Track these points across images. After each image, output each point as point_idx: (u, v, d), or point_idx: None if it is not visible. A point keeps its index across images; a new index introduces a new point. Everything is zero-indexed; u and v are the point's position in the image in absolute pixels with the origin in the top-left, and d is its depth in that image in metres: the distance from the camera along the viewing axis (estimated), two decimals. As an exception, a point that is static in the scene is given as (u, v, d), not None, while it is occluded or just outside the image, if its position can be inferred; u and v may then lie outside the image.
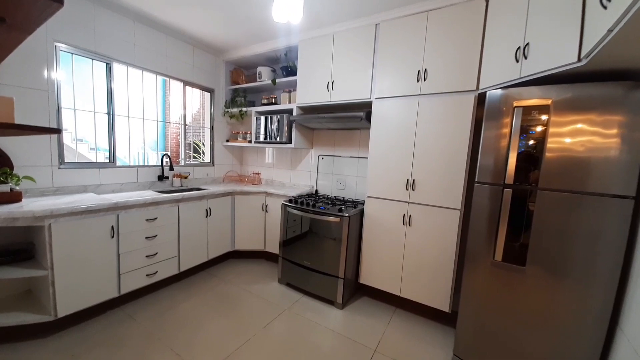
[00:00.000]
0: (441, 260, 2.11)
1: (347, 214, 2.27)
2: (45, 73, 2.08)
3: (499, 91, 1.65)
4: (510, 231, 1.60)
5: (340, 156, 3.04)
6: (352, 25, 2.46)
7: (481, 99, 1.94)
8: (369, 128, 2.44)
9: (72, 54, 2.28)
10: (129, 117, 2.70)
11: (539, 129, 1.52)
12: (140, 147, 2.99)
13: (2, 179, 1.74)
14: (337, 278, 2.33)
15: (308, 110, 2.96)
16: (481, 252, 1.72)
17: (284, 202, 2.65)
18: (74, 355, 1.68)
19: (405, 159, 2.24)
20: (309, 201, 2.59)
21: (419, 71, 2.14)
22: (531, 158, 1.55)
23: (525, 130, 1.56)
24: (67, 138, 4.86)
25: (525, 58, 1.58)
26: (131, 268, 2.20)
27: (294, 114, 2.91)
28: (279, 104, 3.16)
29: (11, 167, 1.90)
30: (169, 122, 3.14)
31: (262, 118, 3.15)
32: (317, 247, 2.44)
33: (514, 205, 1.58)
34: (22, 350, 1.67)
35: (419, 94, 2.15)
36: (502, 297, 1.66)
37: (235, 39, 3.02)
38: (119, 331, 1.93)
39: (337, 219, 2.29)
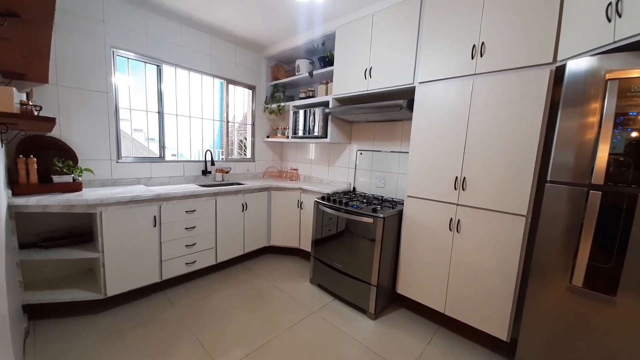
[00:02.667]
0: (499, 277, 1.72)
1: (381, 215, 2.03)
2: (105, 76, 2.32)
3: (584, 60, 1.24)
4: (596, 248, 1.20)
5: (380, 151, 2.78)
6: (394, 0, 2.19)
7: (559, 75, 1.50)
8: (411, 118, 2.14)
9: (128, 58, 2.51)
10: (177, 115, 2.90)
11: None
12: (196, 144, 3.18)
13: (65, 170, 1.98)
14: (369, 285, 2.11)
15: (345, 101, 2.77)
16: (552, 273, 1.34)
17: (316, 200, 2.52)
18: (117, 332, 1.83)
19: (454, 152, 1.89)
20: (343, 199, 2.41)
21: (474, 46, 1.77)
22: (631, 151, 1.12)
23: (622, 113, 1.13)
24: (140, 137, 5.50)
25: (620, 16, 1.15)
26: (172, 256, 2.34)
27: (330, 106, 2.75)
28: (316, 96, 3.04)
29: (75, 160, 2.16)
30: (215, 120, 3.28)
31: (301, 112, 3.07)
32: (350, 249, 2.26)
33: (604, 212, 1.17)
34: (74, 324, 1.89)
35: (474, 74, 1.79)
36: (580, 333, 1.26)
37: (274, 33, 2.99)
38: (158, 314, 2.06)
39: (370, 220, 2.07)
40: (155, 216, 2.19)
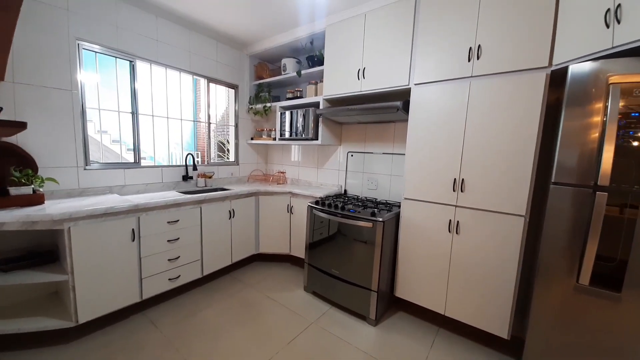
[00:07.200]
0: (498, 277, 1.74)
1: (381, 219, 1.98)
2: (69, 72, 2.04)
3: (587, 64, 1.26)
4: (602, 246, 1.22)
5: (372, 153, 2.74)
6: (388, 0, 2.15)
7: (554, 78, 1.54)
8: (405, 120, 2.12)
9: (96, 52, 2.24)
10: (153, 116, 2.65)
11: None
12: (173, 146, 2.93)
13: (24, 180, 1.71)
14: (369, 291, 2.05)
15: (336, 102, 2.70)
16: (559, 272, 1.35)
17: (309, 204, 2.42)
18: (92, 365, 1.61)
19: (451, 154, 1.89)
20: (338, 203, 2.33)
21: (470, 48, 1.78)
22: (635, 152, 1.16)
23: (626, 115, 1.17)
24: (106, 140, 5.06)
25: (618, 22, 1.19)
26: (153, 272, 2.11)
27: (321, 107, 2.67)
28: (304, 97, 2.94)
29: (35, 168, 1.88)
30: (192, 121, 3.05)
31: (287, 113, 2.95)
32: (347, 254, 2.19)
33: (610, 212, 1.20)
34: (42, 356, 1.63)
35: (470, 76, 1.79)
36: (589, 331, 1.29)
37: (258, 29, 2.84)
38: (139, 338, 1.84)
39: (369, 224, 2.02)
40: (133, 229, 1.96)
